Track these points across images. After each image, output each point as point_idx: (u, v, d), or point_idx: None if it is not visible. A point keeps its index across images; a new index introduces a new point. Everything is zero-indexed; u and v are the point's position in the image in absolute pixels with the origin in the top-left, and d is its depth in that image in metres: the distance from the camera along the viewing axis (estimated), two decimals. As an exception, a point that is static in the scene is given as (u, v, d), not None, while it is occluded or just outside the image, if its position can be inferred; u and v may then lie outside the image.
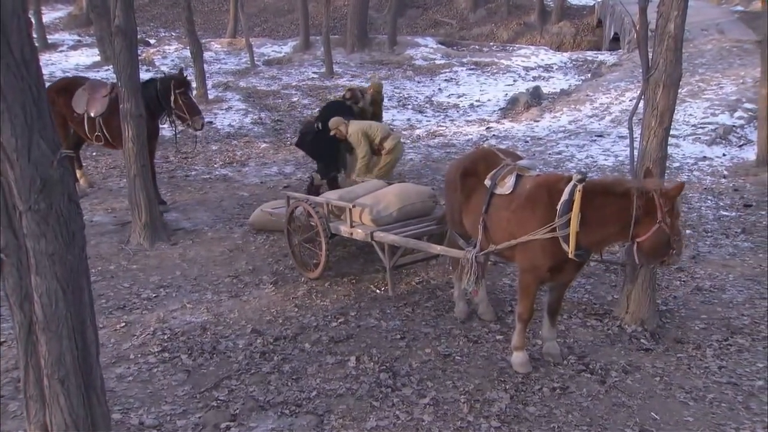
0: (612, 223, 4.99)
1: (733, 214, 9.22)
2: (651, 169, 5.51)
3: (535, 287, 5.56)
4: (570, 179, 5.19)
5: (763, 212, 9.18)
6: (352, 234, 7.07)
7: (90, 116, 9.45)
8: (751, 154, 11.60)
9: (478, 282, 6.08)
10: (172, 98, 9.31)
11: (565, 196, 5.11)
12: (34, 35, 22.13)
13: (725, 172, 11.08)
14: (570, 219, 5.03)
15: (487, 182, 5.74)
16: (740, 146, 12.29)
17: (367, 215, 7.03)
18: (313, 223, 7.33)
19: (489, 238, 5.75)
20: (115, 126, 9.04)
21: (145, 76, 9.88)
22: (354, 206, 7.06)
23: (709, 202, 9.72)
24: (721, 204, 9.62)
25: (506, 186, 5.59)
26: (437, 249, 6.50)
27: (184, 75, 9.65)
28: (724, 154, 11.95)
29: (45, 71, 10.96)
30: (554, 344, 5.84)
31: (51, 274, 3.20)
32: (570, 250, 5.08)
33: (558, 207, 5.13)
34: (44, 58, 20.22)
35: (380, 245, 6.85)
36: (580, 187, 5.04)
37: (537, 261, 5.33)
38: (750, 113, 13.18)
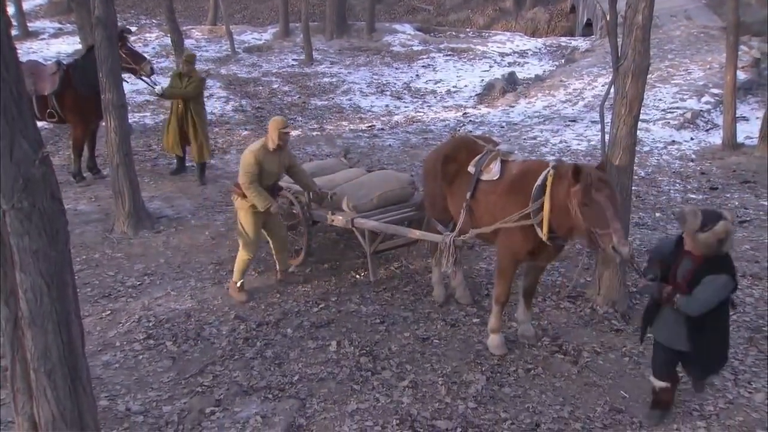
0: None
1: (700, 197, 9.46)
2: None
3: (512, 270, 5.73)
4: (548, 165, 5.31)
5: (728, 195, 9.45)
6: (333, 221, 7.18)
7: (41, 95, 9.62)
8: (717, 138, 11.91)
9: (457, 265, 6.26)
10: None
11: (538, 181, 5.24)
12: (15, 23, 21.85)
13: (693, 156, 11.34)
14: (543, 204, 5.17)
15: (471, 169, 5.87)
16: (707, 130, 12.60)
17: (347, 202, 7.13)
18: (294, 211, 7.43)
19: (473, 222, 5.88)
20: (68, 102, 9.66)
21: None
22: (335, 194, 7.17)
23: (677, 185, 9.96)
24: (689, 187, 9.86)
25: (493, 172, 5.71)
26: (416, 234, 6.66)
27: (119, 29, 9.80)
28: (692, 138, 12.23)
29: (21, 60, 10.94)
30: (529, 326, 6.03)
31: (35, 271, 3.26)
32: (543, 234, 5.20)
33: (532, 192, 5.26)
34: (25, 46, 19.96)
35: (360, 231, 6.98)
36: (551, 171, 5.15)
37: (516, 245, 5.48)
38: (716, 98, 13.51)
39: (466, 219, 5.93)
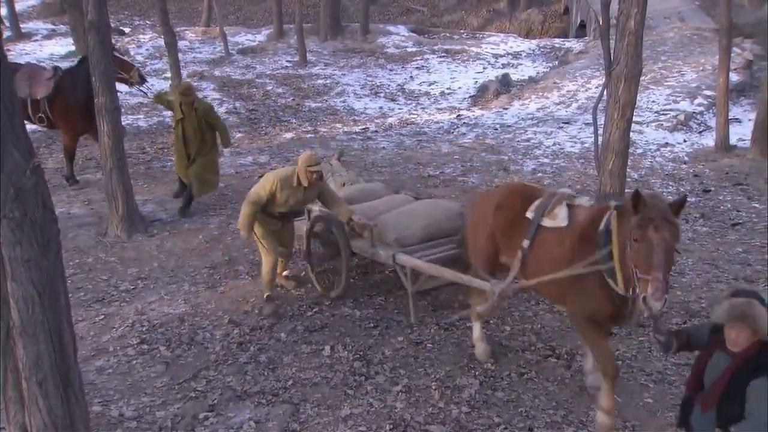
0: None
1: (693, 199, 9.50)
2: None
3: (596, 332, 4.79)
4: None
5: (721, 197, 9.50)
6: (373, 254, 6.56)
7: (34, 99, 9.75)
8: (710, 140, 11.98)
9: (494, 313, 5.78)
10: None
11: (601, 226, 4.57)
12: (8, 25, 21.73)
13: (686, 158, 11.40)
14: (611, 251, 4.43)
15: (530, 215, 5.09)
16: (700, 132, 12.67)
17: (390, 234, 6.52)
18: (332, 240, 6.84)
19: (527, 274, 5.12)
20: (58, 107, 9.82)
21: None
22: (376, 225, 6.55)
23: (670, 187, 10.00)
24: (682, 189, 9.87)
25: (559, 218, 4.93)
26: (463, 279, 5.77)
27: None
28: (684, 140, 12.30)
29: (20, 62, 10.95)
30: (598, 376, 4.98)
31: (27, 280, 3.28)
32: (620, 286, 4.42)
33: (598, 239, 4.56)
34: (18, 48, 19.89)
35: (402, 268, 6.30)
36: (614, 213, 4.46)
37: (586, 305, 4.75)
38: (709, 100, 13.59)
39: (520, 270, 5.16)
